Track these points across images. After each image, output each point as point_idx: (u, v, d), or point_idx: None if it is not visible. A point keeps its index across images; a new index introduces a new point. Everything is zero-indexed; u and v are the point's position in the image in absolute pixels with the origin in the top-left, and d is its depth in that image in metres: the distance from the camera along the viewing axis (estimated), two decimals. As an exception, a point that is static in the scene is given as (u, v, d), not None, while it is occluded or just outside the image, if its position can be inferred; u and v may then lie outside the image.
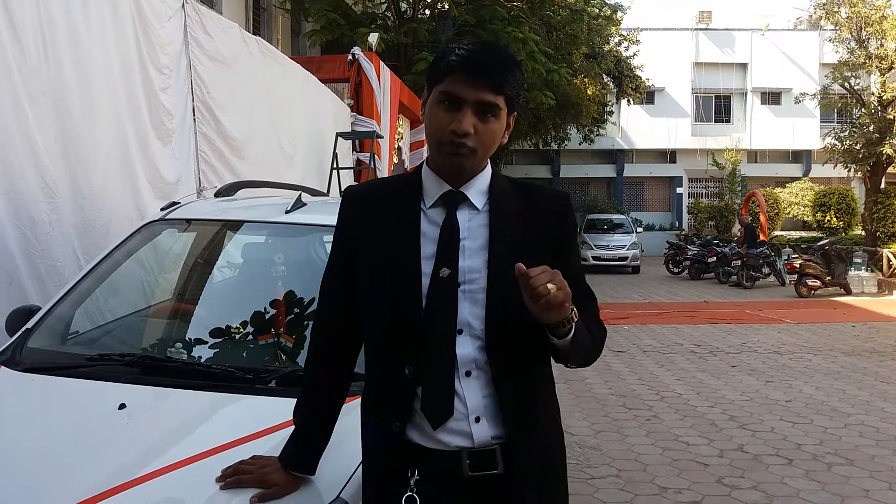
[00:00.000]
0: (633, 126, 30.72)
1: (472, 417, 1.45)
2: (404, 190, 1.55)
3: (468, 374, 1.45)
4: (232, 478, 1.63)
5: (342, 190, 8.05)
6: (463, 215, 1.50)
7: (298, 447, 1.65)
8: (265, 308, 2.57)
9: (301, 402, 1.68)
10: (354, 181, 8.33)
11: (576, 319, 1.40)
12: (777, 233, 25.67)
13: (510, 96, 1.45)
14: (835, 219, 24.50)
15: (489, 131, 1.44)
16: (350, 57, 8.90)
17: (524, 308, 1.37)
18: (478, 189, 1.51)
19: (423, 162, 1.57)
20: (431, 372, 1.45)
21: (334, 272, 1.62)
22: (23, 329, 2.41)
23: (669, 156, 31.64)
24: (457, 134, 1.41)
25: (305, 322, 2.50)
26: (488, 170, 1.54)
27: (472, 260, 1.46)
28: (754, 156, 31.25)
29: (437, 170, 1.51)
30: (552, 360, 1.57)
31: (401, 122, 11.02)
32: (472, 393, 1.45)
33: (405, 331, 1.47)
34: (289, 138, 6.51)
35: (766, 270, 16.90)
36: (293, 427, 1.67)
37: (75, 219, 3.59)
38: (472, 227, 1.49)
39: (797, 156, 31.61)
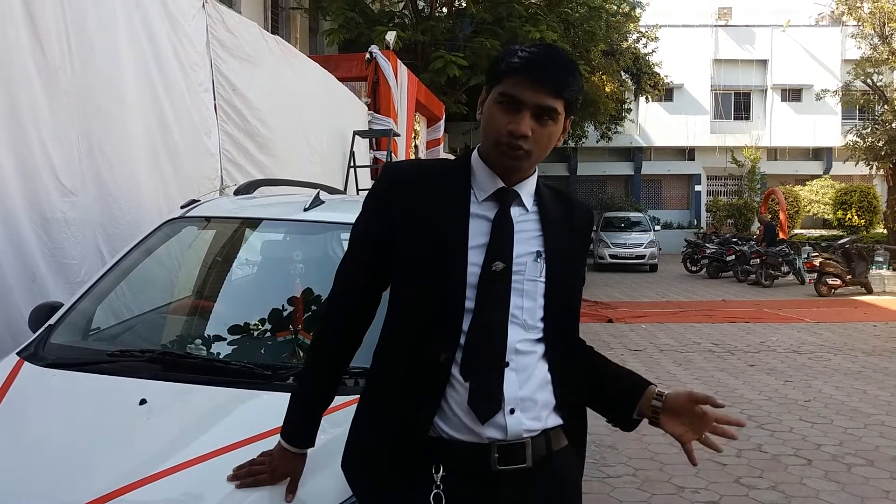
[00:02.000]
0: (652, 123, 30.52)
1: (507, 409, 1.45)
2: (452, 176, 1.54)
3: (507, 364, 1.47)
4: (248, 478, 1.64)
5: (359, 188, 8.08)
6: (514, 212, 1.53)
7: (303, 421, 1.64)
8: (283, 305, 2.59)
9: (305, 375, 1.67)
10: (372, 179, 8.36)
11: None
12: (797, 231, 25.42)
13: (569, 100, 1.48)
14: (856, 217, 24.24)
15: (546, 135, 1.47)
16: (367, 55, 8.93)
17: (574, 303, 1.63)
18: (528, 191, 1.56)
19: (472, 150, 1.57)
20: (480, 364, 1.45)
21: (363, 243, 1.58)
22: (45, 325, 2.45)
23: (688, 153, 31.41)
24: (514, 135, 1.43)
25: (323, 319, 2.52)
26: (535, 175, 1.59)
27: (521, 255, 1.51)
28: (774, 153, 30.93)
29: (491, 165, 1.52)
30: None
31: (417, 121, 11.04)
32: (509, 385, 1.46)
33: (447, 319, 1.45)
34: (314, 136, 6.56)
35: (785, 269, 16.72)
36: (294, 400, 1.64)
37: (100, 216, 3.63)
38: (522, 225, 1.53)
39: (818, 153, 31.25)
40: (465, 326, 1.45)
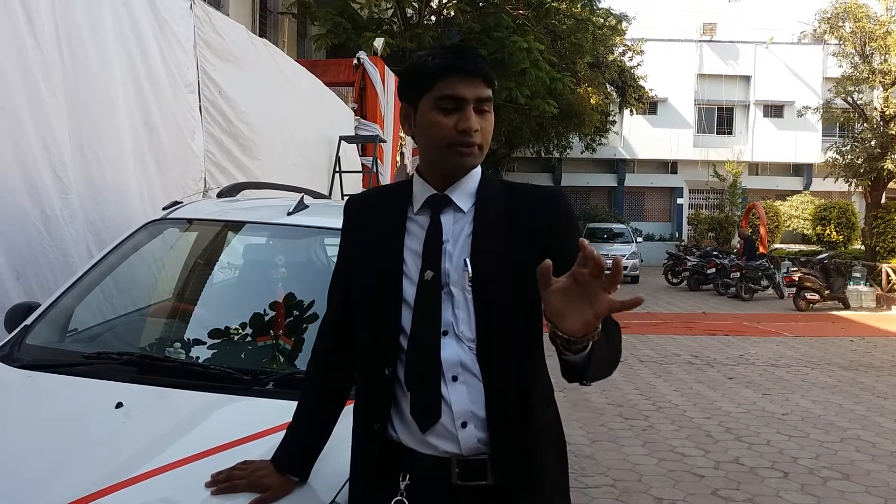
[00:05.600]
0: (636, 136, 30.77)
1: (459, 423, 1.44)
2: (396, 198, 1.57)
3: (454, 378, 1.44)
4: (224, 483, 1.62)
5: (344, 193, 8.07)
6: (447, 218, 1.51)
7: (291, 450, 1.65)
8: (264, 310, 2.57)
9: (299, 403, 1.69)
10: (363, 185, 8.36)
11: (598, 335, 1.27)
12: (777, 246, 25.69)
13: (492, 93, 1.50)
14: (834, 233, 24.54)
15: (488, 126, 1.48)
16: (355, 61, 8.92)
17: (514, 312, 1.40)
18: (464, 191, 1.52)
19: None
20: (418, 375, 1.45)
21: (337, 278, 1.66)
22: (21, 325, 2.41)
23: (671, 166, 31.68)
24: (468, 132, 1.43)
25: (304, 324, 2.50)
26: (477, 171, 1.54)
27: (455, 262, 1.47)
28: (755, 168, 31.28)
29: (430, 175, 1.53)
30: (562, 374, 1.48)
31: (404, 127, 11.03)
32: (458, 398, 1.44)
33: (384, 333, 1.48)
34: (300, 140, 6.54)
35: (764, 283, 16.91)
36: (287, 428, 1.67)
37: (90, 215, 3.60)
38: (456, 230, 1.50)
39: (798, 169, 31.65)
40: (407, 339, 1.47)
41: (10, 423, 2.00)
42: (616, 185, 31.73)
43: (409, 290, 1.47)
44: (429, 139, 1.48)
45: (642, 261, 21.99)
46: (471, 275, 1.42)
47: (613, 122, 27.03)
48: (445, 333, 1.45)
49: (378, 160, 8.39)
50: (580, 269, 1.21)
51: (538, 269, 1.24)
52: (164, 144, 4.25)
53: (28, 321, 2.42)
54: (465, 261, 1.44)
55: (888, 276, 16.78)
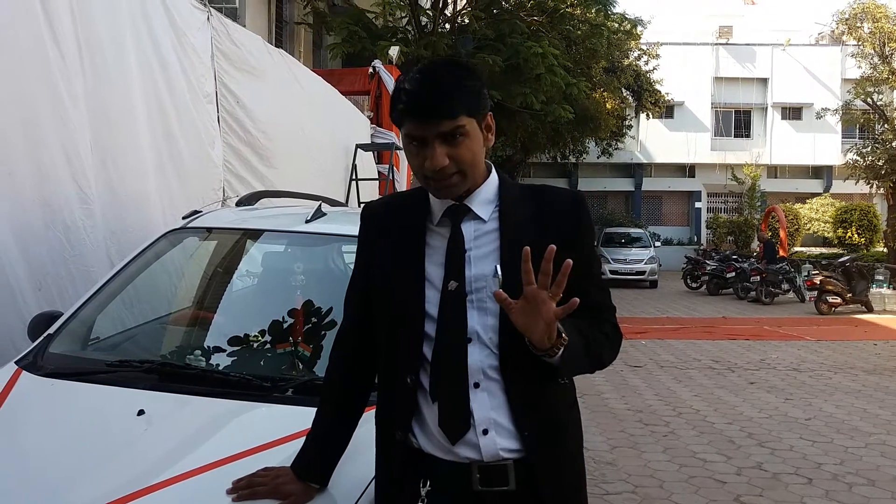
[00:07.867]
0: (652, 140, 30.62)
1: (480, 430, 1.44)
2: (413, 206, 1.57)
3: (476, 385, 1.45)
4: (245, 490, 1.63)
5: (360, 201, 8.11)
6: (468, 227, 1.51)
7: (311, 457, 1.66)
8: (283, 317, 2.58)
9: (318, 411, 1.70)
10: (379, 193, 8.39)
11: (564, 342, 1.37)
12: (797, 249, 25.43)
13: (469, 109, 1.42)
14: (856, 235, 24.26)
15: (466, 150, 1.43)
16: (371, 69, 8.98)
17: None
18: (482, 200, 1.52)
19: None
20: (445, 385, 1.46)
21: (354, 286, 1.67)
22: (44, 334, 2.44)
23: (688, 170, 31.48)
24: (434, 170, 1.43)
25: (323, 331, 2.51)
26: (493, 178, 1.54)
27: (479, 269, 1.47)
28: (774, 171, 31.00)
29: None
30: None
31: (419, 134, 11.07)
32: (479, 405, 1.45)
33: (407, 342, 1.49)
34: (317, 148, 6.58)
35: (785, 286, 16.73)
36: (307, 435, 1.68)
37: (111, 225, 3.62)
38: (479, 238, 1.50)
39: (818, 171, 31.32)
40: (431, 348, 1.48)
41: (34, 430, 2.02)
42: (633, 189, 31.57)
43: (433, 300, 1.47)
44: (410, 166, 1.51)
45: (661, 265, 21.84)
46: (501, 281, 1.41)
47: (630, 127, 26.92)
48: (469, 341, 1.46)
49: (394, 167, 8.42)
50: (527, 287, 1.33)
51: (496, 296, 1.36)
52: (184, 154, 4.29)
53: (51, 330, 2.46)
54: (496, 267, 1.45)
55: (911, 278, 16.55)
